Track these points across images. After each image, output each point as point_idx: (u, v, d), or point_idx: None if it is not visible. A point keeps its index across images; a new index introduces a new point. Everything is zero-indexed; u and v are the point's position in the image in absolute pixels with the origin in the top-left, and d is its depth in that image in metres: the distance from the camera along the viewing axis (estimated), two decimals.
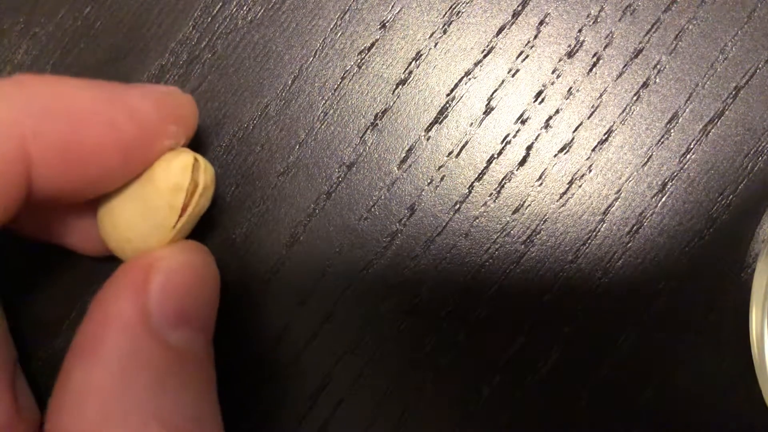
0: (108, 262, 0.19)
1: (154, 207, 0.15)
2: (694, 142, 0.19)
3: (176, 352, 0.14)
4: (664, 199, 0.19)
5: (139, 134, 0.15)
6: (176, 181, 0.15)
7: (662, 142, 0.19)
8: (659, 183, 0.19)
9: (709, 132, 0.19)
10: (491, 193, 0.19)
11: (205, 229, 0.19)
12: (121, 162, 0.15)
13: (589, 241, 0.19)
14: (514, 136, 0.19)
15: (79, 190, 0.15)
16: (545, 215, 0.19)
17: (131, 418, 0.13)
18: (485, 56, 0.19)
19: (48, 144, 0.13)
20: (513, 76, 0.19)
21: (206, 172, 0.16)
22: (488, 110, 0.19)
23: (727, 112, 0.19)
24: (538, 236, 0.19)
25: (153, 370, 0.13)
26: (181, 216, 0.15)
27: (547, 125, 0.19)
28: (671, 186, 0.19)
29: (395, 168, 0.19)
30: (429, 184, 0.19)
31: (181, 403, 0.14)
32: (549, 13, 0.19)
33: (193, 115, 0.16)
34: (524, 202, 0.19)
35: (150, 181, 0.15)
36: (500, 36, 0.19)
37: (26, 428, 0.16)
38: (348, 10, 0.19)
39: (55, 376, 0.19)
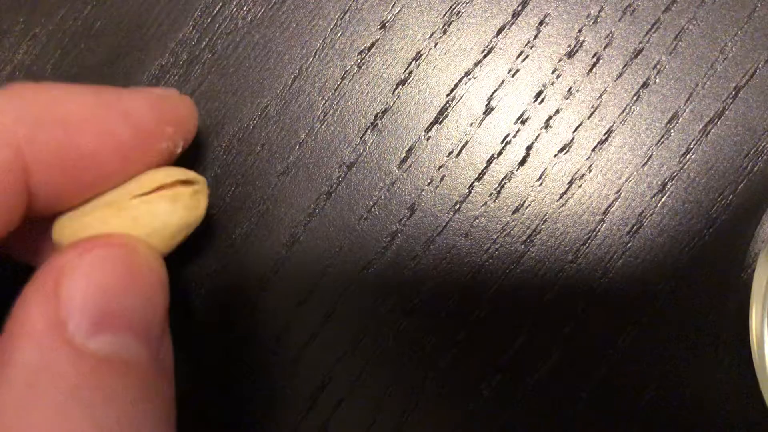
0: None
1: (132, 180, 0.15)
2: (694, 142, 0.19)
3: (96, 361, 0.12)
4: (664, 199, 0.19)
5: (135, 137, 0.15)
6: (172, 171, 0.15)
7: (662, 142, 0.19)
8: (659, 183, 0.19)
9: (709, 132, 0.19)
10: (491, 193, 0.19)
11: (205, 229, 0.19)
12: (118, 165, 0.14)
13: (589, 241, 0.19)
14: (514, 136, 0.19)
15: (79, 194, 0.14)
16: (545, 215, 0.19)
17: None
18: (485, 56, 0.19)
19: (44, 151, 0.13)
20: (513, 76, 0.19)
21: (199, 196, 0.16)
22: (488, 110, 0.19)
23: (727, 112, 0.19)
24: (538, 236, 0.19)
25: (65, 383, 0.12)
26: (147, 194, 0.15)
27: (547, 125, 0.19)
28: (671, 186, 0.19)
29: (395, 168, 0.19)
30: (429, 184, 0.19)
31: (102, 417, 0.12)
32: (549, 13, 0.19)
33: (191, 117, 0.16)
34: (524, 202, 0.19)
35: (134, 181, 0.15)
36: (500, 36, 0.19)
37: None
38: (348, 10, 0.19)
39: None
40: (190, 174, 0.16)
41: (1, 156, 0.13)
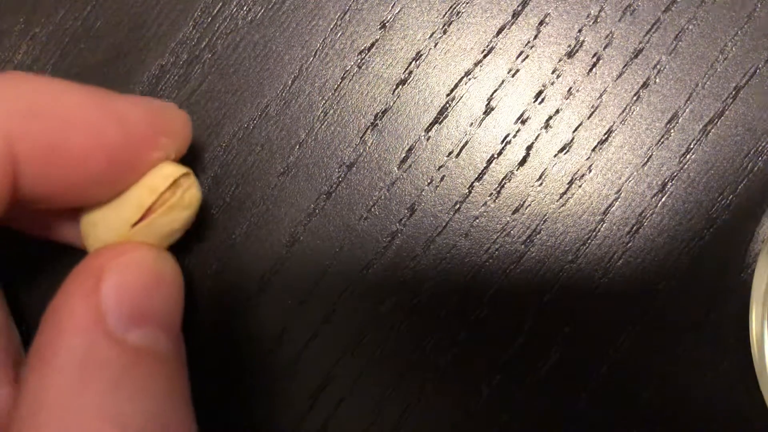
0: None
1: (127, 200, 0.15)
2: (694, 142, 0.19)
3: (135, 352, 0.14)
4: (664, 199, 0.19)
5: (126, 141, 0.15)
6: (157, 183, 0.15)
7: (662, 142, 0.19)
8: (659, 183, 0.19)
9: (709, 132, 0.19)
10: (491, 193, 0.19)
11: (205, 229, 0.19)
12: (106, 167, 0.14)
13: (589, 241, 0.19)
14: (514, 136, 0.19)
15: (66, 194, 0.14)
16: (545, 215, 0.19)
17: (87, 421, 0.13)
18: (485, 56, 0.19)
19: (34, 144, 0.13)
20: (513, 76, 0.19)
21: (190, 193, 0.16)
22: (488, 110, 0.19)
23: (727, 112, 0.19)
24: (538, 236, 0.19)
25: (109, 371, 0.13)
26: (143, 217, 0.15)
27: (547, 125, 0.19)
28: (671, 186, 0.19)
29: (395, 168, 0.19)
30: (429, 184, 0.19)
31: (142, 404, 0.13)
32: (549, 13, 0.19)
33: (186, 131, 0.16)
34: (524, 202, 0.19)
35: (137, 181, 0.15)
36: (500, 36, 0.19)
37: None
38: (348, 10, 0.19)
39: None
40: (175, 172, 0.16)
41: None
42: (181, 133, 0.16)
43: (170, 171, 0.15)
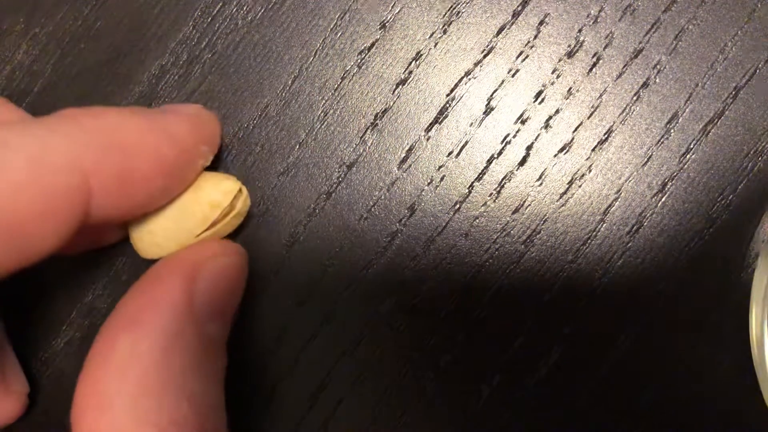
0: (108, 266, 0.19)
1: (190, 213, 0.16)
2: (694, 142, 0.19)
3: (209, 341, 0.15)
4: (664, 199, 0.19)
5: (178, 158, 0.16)
6: (219, 199, 0.17)
7: (662, 142, 0.19)
8: (659, 183, 0.19)
9: (709, 132, 0.19)
10: (491, 193, 0.19)
11: None
12: (163, 185, 0.16)
13: (589, 241, 0.19)
14: (514, 136, 0.19)
15: (126, 214, 0.16)
16: (545, 215, 0.19)
17: (167, 393, 0.14)
18: (485, 56, 0.19)
19: (106, 176, 0.14)
20: (513, 76, 0.19)
21: (244, 203, 0.17)
22: (488, 110, 0.19)
23: (727, 112, 0.19)
24: (538, 236, 0.19)
25: (191, 353, 0.15)
26: (208, 229, 0.17)
27: (547, 125, 0.19)
28: (671, 186, 0.19)
29: (395, 168, 0.19)
30: (429, 184, 0.19)
31: (207, 388, 0.15)
32: (549, 13, 0.19)
33: (218, 133, 0.17)
34: (524, 202, 0.19)
35: (195, 191, 0.16)
36: (500, 36, 0.19)
37: (14, 400, 0.18)
38: (348, 10, 0.19)
39: (55, 376, 0.19)
40: (233, 188, 0.17)
41: (71, 181, 0.13)
42: (216, 137, 0.17)
43: (229, 187, 0.17)
